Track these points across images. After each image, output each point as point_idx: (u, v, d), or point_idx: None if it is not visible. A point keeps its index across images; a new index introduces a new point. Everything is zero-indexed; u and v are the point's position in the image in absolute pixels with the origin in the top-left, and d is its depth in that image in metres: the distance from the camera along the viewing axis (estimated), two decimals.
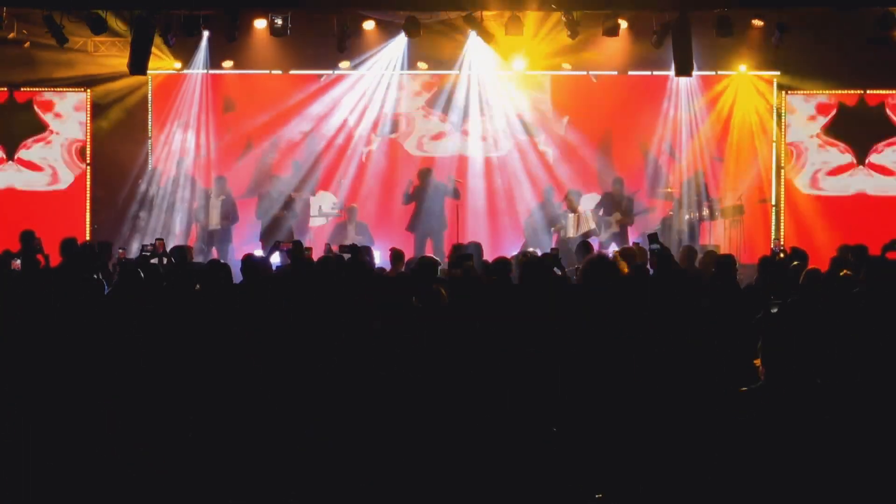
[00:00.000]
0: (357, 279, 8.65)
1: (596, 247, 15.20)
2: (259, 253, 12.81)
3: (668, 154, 17.41)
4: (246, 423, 6.86)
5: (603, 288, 6.69)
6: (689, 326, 7.54)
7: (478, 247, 11.86)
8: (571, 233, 15.86)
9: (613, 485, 6.31)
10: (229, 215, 16.62)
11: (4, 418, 6.63)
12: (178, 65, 17.35)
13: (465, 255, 10.04)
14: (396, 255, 11.14)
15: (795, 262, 10.00)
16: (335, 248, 12.43)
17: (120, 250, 12.54)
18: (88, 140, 17.67)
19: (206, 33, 16.49)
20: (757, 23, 16.16)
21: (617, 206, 16.41)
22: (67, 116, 17.75)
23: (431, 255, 11.28)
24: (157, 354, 7.11)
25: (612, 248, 14.88)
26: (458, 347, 6.96)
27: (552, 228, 16.29)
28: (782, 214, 17.29)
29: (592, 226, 15.76)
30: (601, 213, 16.50)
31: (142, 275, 8.42)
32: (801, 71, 16.86)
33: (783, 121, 17.28)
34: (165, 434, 6.73)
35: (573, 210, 16.10)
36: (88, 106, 17.63)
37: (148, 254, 11.97)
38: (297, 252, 11.10)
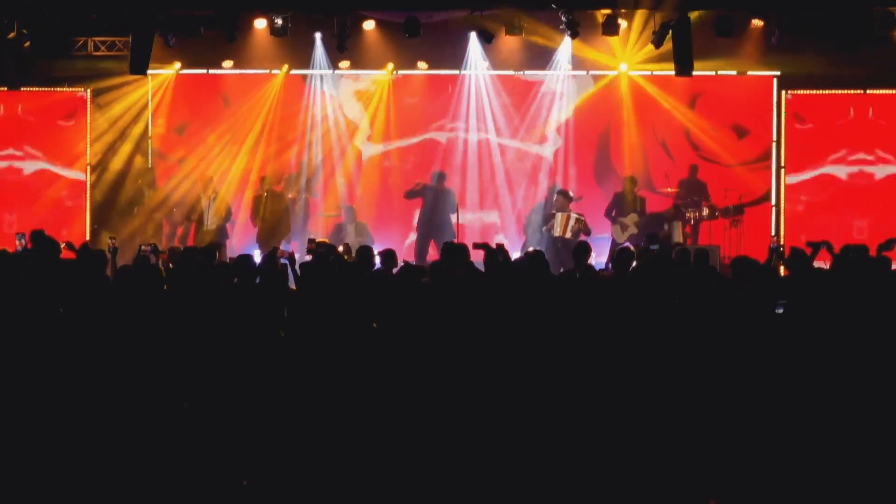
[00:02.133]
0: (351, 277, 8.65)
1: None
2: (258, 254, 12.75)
3: (667, 154, 17.42)
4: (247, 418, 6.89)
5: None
6: (687, 326, 7.55)
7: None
8: (558, 232, 15.80)
9: (613, 484, 6.32)
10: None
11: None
12: (178, 65, 17.37)
13: (461, 253, 9.95)
14: (388, 256, 10.96)
15: (772, 264, 9.97)
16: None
17: (110, 238, 12.44)
18: (88, 140, 17.65)
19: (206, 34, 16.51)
20: (757, 23, 16.18)
21: (631, 206, 16.31)
22: (68, 116, 17.74)
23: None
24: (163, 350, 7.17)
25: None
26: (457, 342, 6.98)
27: (544, 228, 16.23)
28: (782, 214, 17.28)
29: (569, 235, 15.60)
30: (613, 213, 16.38)
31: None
32: (801, 71, 16.84)
33: (782, 120, 17.27)
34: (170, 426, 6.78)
35: (561, 210, 16.00)
36: (88, 106, 17.63)
37: (148, 253, 11.94)
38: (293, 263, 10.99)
